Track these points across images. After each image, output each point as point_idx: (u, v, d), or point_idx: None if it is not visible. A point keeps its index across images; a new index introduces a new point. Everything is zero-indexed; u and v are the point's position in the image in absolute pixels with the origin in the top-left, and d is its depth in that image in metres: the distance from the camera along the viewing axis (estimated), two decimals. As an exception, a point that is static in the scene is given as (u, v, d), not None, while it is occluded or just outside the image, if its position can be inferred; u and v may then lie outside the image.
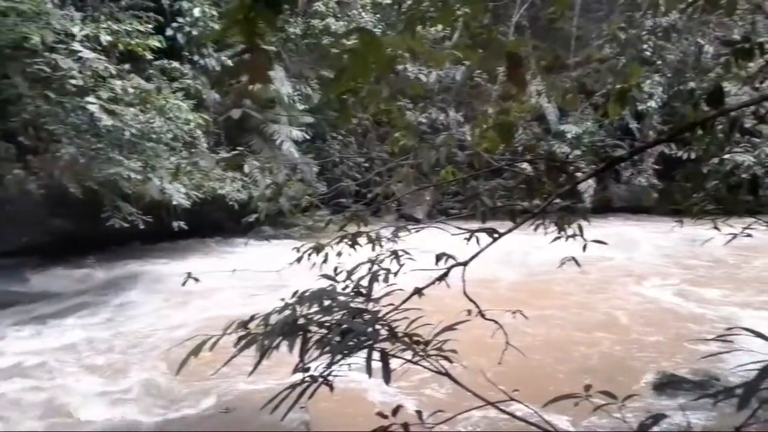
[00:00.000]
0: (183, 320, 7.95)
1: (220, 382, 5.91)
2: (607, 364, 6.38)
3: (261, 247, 13.97)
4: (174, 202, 9.72)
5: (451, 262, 2.67)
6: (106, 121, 8.54)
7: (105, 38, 9.09)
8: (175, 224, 9.72)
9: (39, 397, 5.74)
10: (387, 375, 1.79)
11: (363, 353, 1.94)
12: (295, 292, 2.78)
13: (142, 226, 9.26)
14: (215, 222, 14.09)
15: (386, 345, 1.97)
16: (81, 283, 10.55)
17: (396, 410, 1.99)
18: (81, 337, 7.73)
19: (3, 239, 11.45)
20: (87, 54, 8.51)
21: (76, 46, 8.50)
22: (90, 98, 8.50)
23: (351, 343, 2.02)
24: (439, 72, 20.03)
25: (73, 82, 8.33)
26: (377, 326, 2.01)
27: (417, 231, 2.94)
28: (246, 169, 14.06)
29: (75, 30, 8.58)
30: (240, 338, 2.99)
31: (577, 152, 17.15)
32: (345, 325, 2.09)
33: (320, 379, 2.31)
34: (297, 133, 16.46)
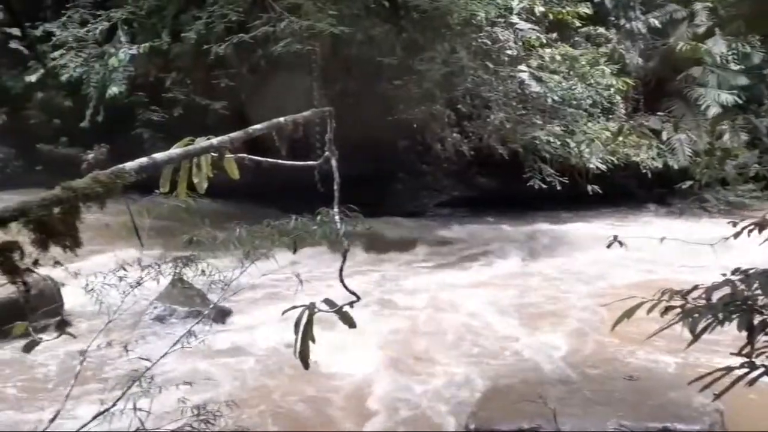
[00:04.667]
0: (601, 280, 8.15)
1: (625, 347, 5.92)
2: None
3: (671, 219, 13.17)
4: (590, 166, 9.89)
5: None
6: (534, 87, 9.21)
7: (539, 9, 9.71)
8: (589, 188, 9.91)
9: (443, 328, 6.41)
10: None
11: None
12: (736, 270, 2.60)
13: (558, 188, 9.74)
14: (625, 189, 13.80)
15: None
16: (495, 234, 11.70)
17: None
18: (490, 281, 8.58)
19: (440, 191, 13.69)
20: (522, 25, 9.26)
21: (514, 18, 9.32)
22: (521, 67, 9.27)
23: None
24: None
25: (508, 52, 9.20)
26: None
27: None
28: (664, 135, 13.28)
29: (514, 4, 9.38)
30: (667, 308, 2.94)
31: None
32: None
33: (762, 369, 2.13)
34: (726, 97, 14.66)
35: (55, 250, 1.66)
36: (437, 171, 13.22)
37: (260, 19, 9.27)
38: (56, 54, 11.48)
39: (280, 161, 3.03)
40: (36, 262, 1.61)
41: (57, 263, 1.71)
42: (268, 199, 9.63)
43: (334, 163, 3.21)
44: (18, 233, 1.56)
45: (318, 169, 3.37)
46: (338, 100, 9.16)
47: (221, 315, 6.21)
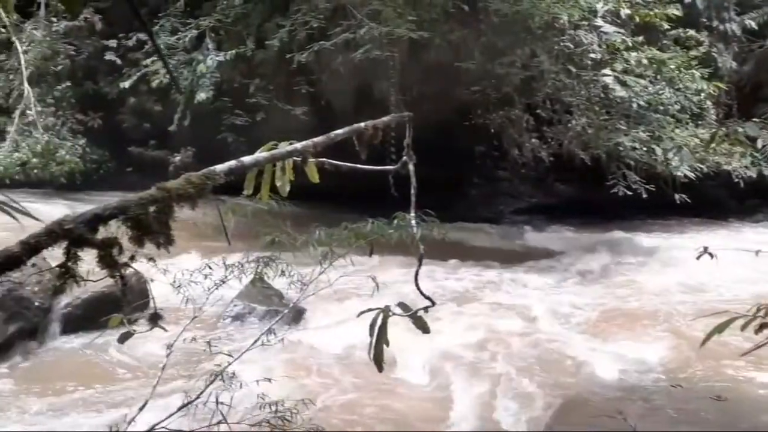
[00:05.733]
0: (690, 293, 7.83)
1: (715, 364, 5.61)
2: None
3: (766, 231, 12.37)
4: (678, 174, 9.39)
5: None
6: (619, 92, 8.87)
7: (624, 12, 9.35)
8: (677, 197, 9.41)
9: (524, 336, 6.24)
10: None
11: None
12: None
13: (645, 196, 9.31)
14: (713, 199, 13.09)
15: None
16: (576, 243, 11.32)
17: None
18: (572, 290, 8.29)
19: (517, 198, 13.47)
20: (607, 28, 8.95)
21: (598, 21, 9.02)
22: (605, 71, 8.96)
23: None
24: None
25: (592, 56, 8.91)
26: None
27: None
28: (759, 143, 12.48)
29: (598, 6, 9.09)
30: (762, 325, 2.78)
31: None
32: None
33: None
34: (831, 101, 13.63)
35: (147, 247, 1.75)
36: (514, 177, 13.01)
37: (341, 26, 9.44)
38: (148, 61, 12.14)
39: (358, 165, 3.07)
40: (132, 258, 1.70)
41: (151, 260, 1.80)
42: (345, 203, 9.77)
43: (411, 168, 3.21)
44: (117, 230, 1.66)
45: (394, 174, 3.38)
46: (415, 104, 9.18)
47: (297, 314, 6.34)
